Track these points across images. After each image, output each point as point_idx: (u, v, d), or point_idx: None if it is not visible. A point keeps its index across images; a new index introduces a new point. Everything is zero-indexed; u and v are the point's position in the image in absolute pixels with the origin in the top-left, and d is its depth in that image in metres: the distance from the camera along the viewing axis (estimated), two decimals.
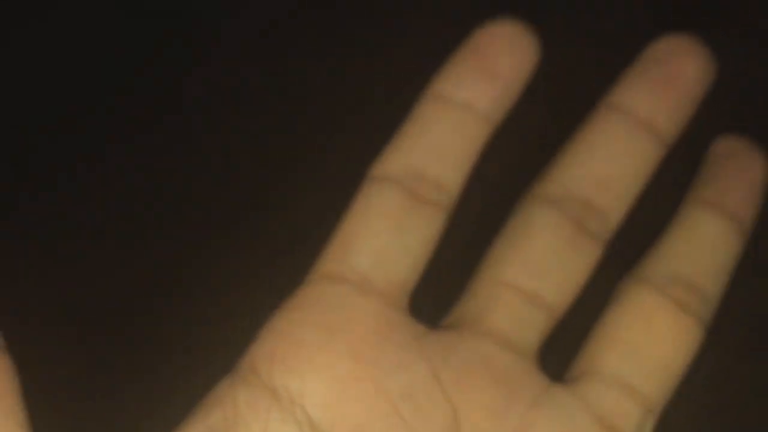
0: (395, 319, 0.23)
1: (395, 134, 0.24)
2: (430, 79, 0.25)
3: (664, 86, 0.25)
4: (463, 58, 0.25)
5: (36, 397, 0.21)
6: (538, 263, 0.24)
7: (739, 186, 0.25)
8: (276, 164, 0.26)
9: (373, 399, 0.22)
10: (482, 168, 0.25)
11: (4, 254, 0.26)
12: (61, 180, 0.26)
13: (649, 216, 0.25)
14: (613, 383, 0.23)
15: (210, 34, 0.27)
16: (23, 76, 0.27)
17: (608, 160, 0.24)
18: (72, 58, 0.27)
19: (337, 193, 0.24)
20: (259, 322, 0.23)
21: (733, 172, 0.25)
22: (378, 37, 0.27)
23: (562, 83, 0.26)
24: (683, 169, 0.25)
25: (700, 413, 0.25)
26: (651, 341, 0.23)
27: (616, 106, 0.25)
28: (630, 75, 0.25)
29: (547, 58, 0.24)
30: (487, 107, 0.24)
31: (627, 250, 0.24)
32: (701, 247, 0.24)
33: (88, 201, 0.26)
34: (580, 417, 0.22)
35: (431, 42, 0.25)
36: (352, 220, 0.24)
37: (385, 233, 0.23)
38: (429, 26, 0.27)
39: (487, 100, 0.24)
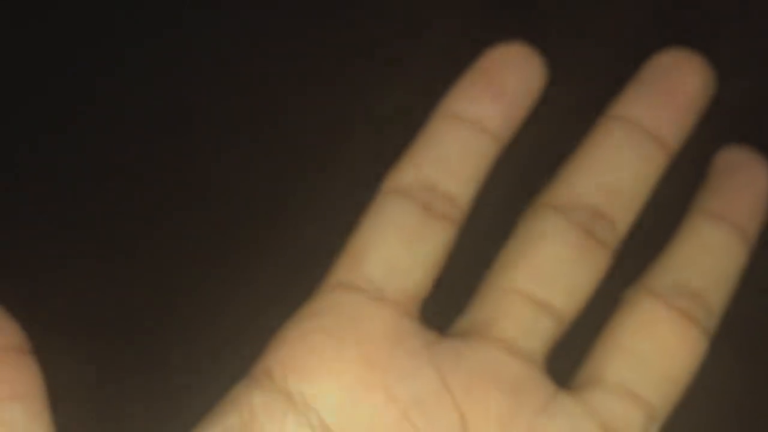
0: (406, 327, 0.23)
1: (408, 149, 0.25)
2: (442, 96, 0.25)
3: (666, 97, 0.25)
4: (474, 77, 0.25)
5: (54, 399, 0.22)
6: (547, 271, 0.24)
7: (744, 196, 0.25)
8: (291, 176, 0.27)
9: (384, 405, 0.22)
10: (491, 176, 0.25)
11: (23, 259, 0.26)
12: (76, 185, 0.27)
13: (655, 226, 0.25)
14: (618, 391, 0.23)
15: (220, 48, 0.28)
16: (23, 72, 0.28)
17: (615, 169, 0.25)
18: (71, 58, 0.28)
19: (351, 204, 0.25)
20: (275, 328, 0.23)
21: (738, 182, 0.25)
22: (392, 54, 0.28)
23: (568, 96, 0.26)
24: (688, 180, 0.26)
25: (703, 419, 0.25)
26: (656, 351, 0.24)
27: (620, 117, 0.25)
28: (633, 87, 0.26)
29: (553, 72, 0.25)
30: (497, 125, 0.25)
31: (633, 260, 0.25)
32: (707, 258, 0.25)
33: (103, 208, 0.27)
34: (586, 424, 0.23)
35: (443, 60, 0.26)
36: (365, 230, 0.24)
37: (397, 244, 0.24)
38: (441, 45, 0.28)
39: (496, 118, 0.25)
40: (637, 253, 0.25)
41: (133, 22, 0.28)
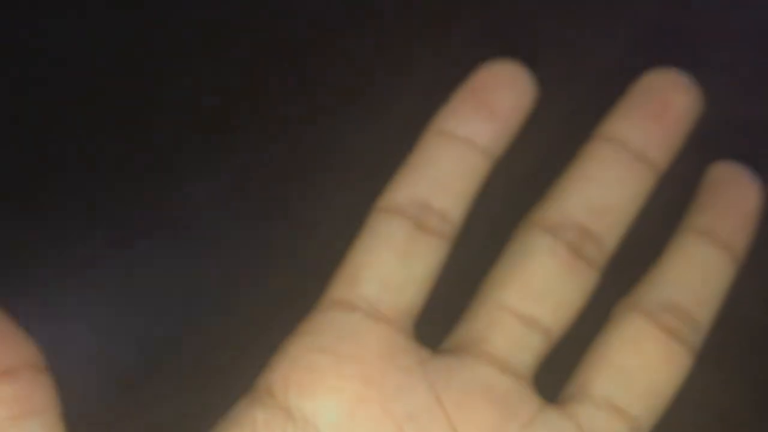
0: (401, 344, 0.24)
1: (401, 167, 0.26)
2: (434, 115, 0.26)
3: (654, 118, 0.26)
4: (465, 96, 0.26)
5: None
6: (537, 288, 0.25)
7: (732, 214, 0.26)
8: (287, 196, 0.27)
9: (380, 420, 0.23)
10: (482, 195, 0.26)
11: (25, 264, 0.27)
12: (85, 186, 0.27)
13: (644, 244, 0.26)
14: (604, 406, 0.24)
15: (228, 49, 0.28)
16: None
17: (603, 189, 0.25)
18: (72, 56, 0.28)
19: (346, 223, 0.25)
20: (274, 346, 0.24)
21: (727, 199, 0.26)
22: (385, 75, 0.28)
23: (558, 116, 0.27)
24: (677, 197, 0.26)
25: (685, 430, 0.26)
26: (642, 367, 0.24)
27: (609, 137, 0.26)
28: (622, 107, 0.26)
29: (542, 92, 0.26)
30: (488, 143, 0.26)
31: (621, 277, 0.26)
32: (694, 276, 0.25)
33: (109, 216, 0.27)
34: None
35: (435, 80, 0.26)
36: (360, 249, 0.25)
37: (391, 262, 0.25)
38: (432, 66, 0.28)
39: (487, 136, 0.26)
40: (626, 271, 0.26)
41: (133, 23, 0.28)
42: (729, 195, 0.26)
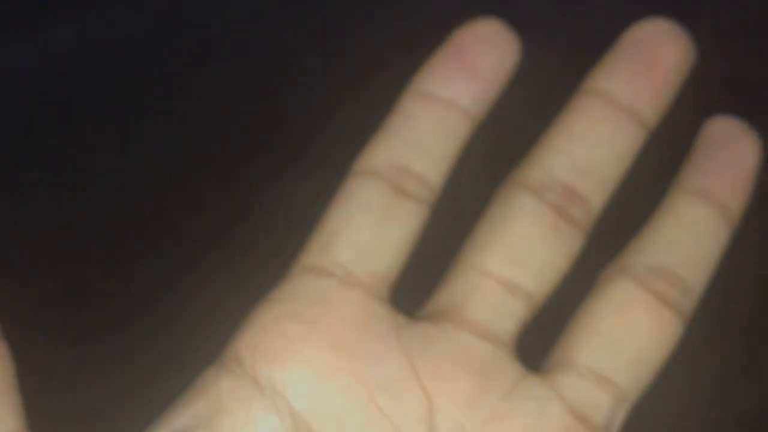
0: (376, 311, 0.23)
1: (378, 129, 0.25)
2: (413, 76, 0.25)
3: (644, 71, 0.25)
4: (446, 56, 0.25)
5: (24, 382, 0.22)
6: (519, 251, 0.24)
7: (729, 173, 0.25)
8: (261, 159, 0.27)
9: (352, 389, 0.22)
10: (463, 155, 0.25)
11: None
12: (58, 177, 0.27)
13: (634, 204, 0.25)
14: (588, 374, 0.23)
15: (202, 35, 0.28)
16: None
17: (590, 146, 0.24)
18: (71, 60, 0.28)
19: (321, 186, 0.25)
20: (243, 313, 0.23)
21: (723, 157, 0.25)
22: (362, 35, 0.27)
23: (541, 71, 0.26)
24: (668, 155, 0.25)
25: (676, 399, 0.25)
26: (629, 334, 0.23)
27: (596, 91, 0.25)
28: (609, 60, 0.25)
29: (525, 48, 0.25)
30: (469, 105, 0.25)
31: (609, 239, 0.24)
32: (687, 238, 0.24)
33: (85, 199, 0.27)
34: (552, 407, 0.23)
35: (414, 39, 0.26)
36: (334, 213, 0.24)
37: (367, 227, 0.24)
38: (412, 24, 0.27)
39: (469, 97, 0.25)
40: (613, 233, 0.24)
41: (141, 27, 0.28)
42: (725, 152, 0.25)
